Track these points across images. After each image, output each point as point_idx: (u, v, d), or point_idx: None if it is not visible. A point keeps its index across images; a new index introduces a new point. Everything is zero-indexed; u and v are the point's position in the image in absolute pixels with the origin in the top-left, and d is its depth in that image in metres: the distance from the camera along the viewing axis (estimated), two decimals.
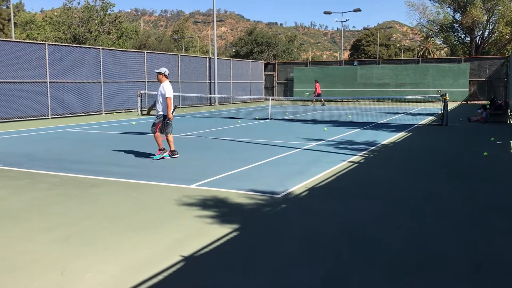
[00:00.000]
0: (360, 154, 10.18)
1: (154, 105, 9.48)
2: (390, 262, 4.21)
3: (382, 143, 12.07)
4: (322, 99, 30.34)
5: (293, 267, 4.10)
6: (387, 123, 17.78)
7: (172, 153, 9.65)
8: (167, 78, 9.62)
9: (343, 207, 6.03)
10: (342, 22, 49.43)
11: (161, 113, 9.54)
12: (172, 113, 9.48)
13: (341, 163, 9.05)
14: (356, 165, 9.01)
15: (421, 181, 7.60)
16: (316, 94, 29.62)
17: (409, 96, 24.34)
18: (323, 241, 4.77)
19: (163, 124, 9.52)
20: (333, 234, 4.99)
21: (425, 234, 4.98)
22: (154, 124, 9.68)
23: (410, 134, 14.21)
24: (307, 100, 32.22)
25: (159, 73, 9.59)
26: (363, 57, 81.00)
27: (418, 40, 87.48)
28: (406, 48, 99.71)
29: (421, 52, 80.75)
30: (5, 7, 59.50)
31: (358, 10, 46.24)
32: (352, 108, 27.11)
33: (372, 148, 11.17)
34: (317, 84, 30.13)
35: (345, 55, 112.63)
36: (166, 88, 9.41)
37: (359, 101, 34.60)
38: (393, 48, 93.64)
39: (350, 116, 20.59)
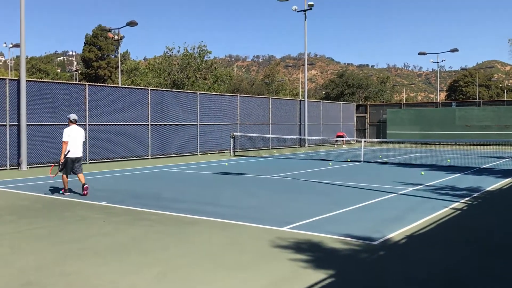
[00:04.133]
0: (463, 201, 9.51)
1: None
2: None
3: (487, 189, 11.21)
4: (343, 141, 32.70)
5: None
6: (491, 168, 16.56)
7: (65, 191, 10.40)
8: (72, 123, 10.27)
9: (446, 257, 5.60)
10: (438, 62, 47.78)
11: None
12: (65, 156, 10.05)
13: (442, 210, 8.51)
14: (459, 212, 8.41)
15: None
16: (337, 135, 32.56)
17: None
18: None
19: (60, 164, 10.22)
20: (436, 286, 4.62)
21: None
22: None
23: None
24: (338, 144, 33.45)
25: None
26: (461, 98, 77.28)
27: None
28: (510, 89, 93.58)
29: None
30: (113, 56, 65.28)
31: (455, 50, 44.64)
32: (450, 152, 25.68)
33: (476, 194, 10.41)
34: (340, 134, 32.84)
35: (441, 96, 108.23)
36: (64, 132, 10.16)
37: (458, 144, 32.75)
38: (494, 88, 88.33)
39: (449, 160, 19.47)
